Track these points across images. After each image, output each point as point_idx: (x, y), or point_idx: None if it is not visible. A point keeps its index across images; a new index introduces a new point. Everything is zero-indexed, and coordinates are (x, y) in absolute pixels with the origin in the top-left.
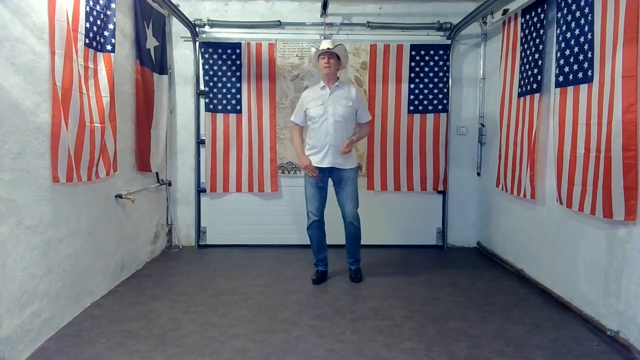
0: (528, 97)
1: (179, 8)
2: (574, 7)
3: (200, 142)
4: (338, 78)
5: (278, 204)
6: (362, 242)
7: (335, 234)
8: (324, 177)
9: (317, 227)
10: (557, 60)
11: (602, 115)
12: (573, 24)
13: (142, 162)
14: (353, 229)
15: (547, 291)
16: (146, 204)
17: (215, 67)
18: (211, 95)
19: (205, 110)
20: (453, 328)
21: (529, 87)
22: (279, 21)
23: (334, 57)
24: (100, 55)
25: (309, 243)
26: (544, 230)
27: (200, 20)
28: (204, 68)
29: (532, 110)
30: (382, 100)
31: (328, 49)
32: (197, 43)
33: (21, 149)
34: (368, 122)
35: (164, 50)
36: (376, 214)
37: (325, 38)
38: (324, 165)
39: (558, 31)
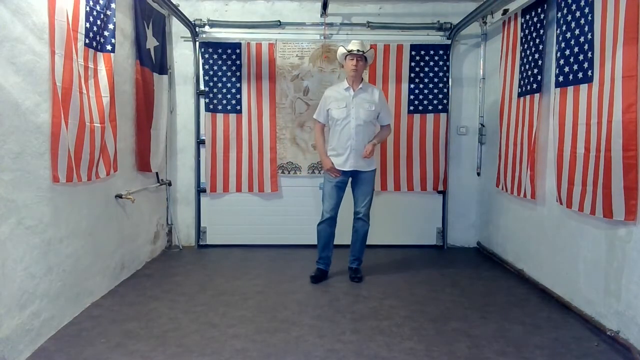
0: (528, 97)
1: (179, 8)
2: (574, 7)
3: (200, 142)
4: (362, 79)
5: (278, 204)
6: None
7: (338, 234)
8: (344, 178)
9: (328, 224)
10: (557, 60)
11: (602, 115)
12: (573, 24)
13: (142, 162)
14: (363, 225)
15: (547, 291)
16: (146, 204)
17: (215, 67)
18: (211, 95)
19: (205, 110)
20: (453, 328)
21: (529, 87)
22: (279, 21)
23: (362, 60)
24: (100, 55)
25: (313, 242)
26: (544, 230)
27: (200, 20)
28: (204, 68)
29: (532, 110)
30: None
31: (358, 50)
32: (197, 43)
33: (21, 149)
34: (389, 124)
35: (164, 50)
36: (376, 214)
37: (325, 38)
38: (346, 168)
39: (558, 31)
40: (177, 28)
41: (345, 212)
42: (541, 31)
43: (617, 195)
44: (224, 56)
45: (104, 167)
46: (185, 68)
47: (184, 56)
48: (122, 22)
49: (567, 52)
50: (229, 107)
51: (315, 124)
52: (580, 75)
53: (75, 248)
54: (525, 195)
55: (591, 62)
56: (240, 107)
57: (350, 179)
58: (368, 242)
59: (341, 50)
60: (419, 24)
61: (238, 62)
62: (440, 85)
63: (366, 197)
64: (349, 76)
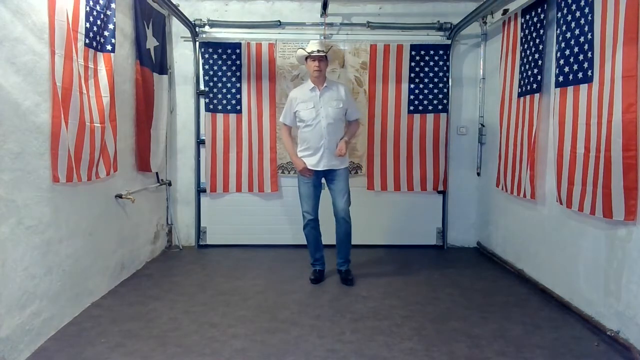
0: (528, 97)
1: (179, 8)
2: (574, 7)
3: (200, 142)
4: (326, 78)
5: (278, 204)
6: (362, 243)
7: (332, 234)
8: (318, 176)
9: (312, 226)
10: (557, 60)
11: (602, 115)
12: (573, 24)
13: (142, 162)
14: (345, 225)
15: (547, 291)
16: (146, 204)
17: (215, 67)
18: (211, 95)
19: (205, 110)
20: (453, 328)
21: (529, 87)
22: (279, 21)
23: (324, 60)
24: (100, 55)
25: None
26: (544, 230)
27: (200, 20)
28: (204, 68)
29: (532, 110)
30: (382, 100)
31: (319, 51)
32: (197, 43)
33: (21, 149)
34: (358, 119)
35: (164, 50)
36: (376, 214)
37: (325, 38)
38: (320, 168)
39: (558, 31)
40: (177, 28)
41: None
42: (541, 31)
43: (617, 195)
44: (224, 56)
45: (104, 167)
46: (185, 68)
47: (184, 56)
48: (122, 22)
49: (567, 52)
50: (229, 107)
51: (282, 126)
52: (580, 75)
53: (75, 248)
54: (525, 195)
55: (591, 62)
56: (240, 107)
57: (323, 179)
58: (368, 242)
59: (300, 53)
60: (419, 24)
61: (238, 62)
62: (440, 85)
63: (345, 194)
64: (313, 77)
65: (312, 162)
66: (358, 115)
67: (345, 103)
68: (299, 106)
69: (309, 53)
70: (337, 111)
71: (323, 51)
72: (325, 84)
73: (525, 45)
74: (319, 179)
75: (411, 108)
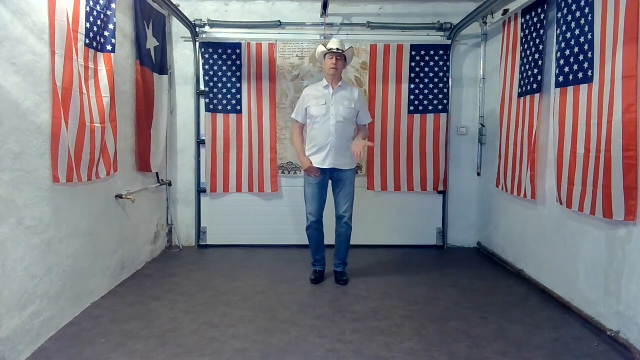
0: (528, 97)
1: (179, 8)
2: (574, 7)
3: (200, 142)
4: (341, 78)
5: (278, 204)
6: (362, 242)
7: (332, 233)
8: (324, 177)
9: (316, 228)
10: (557, 60)
11: (602, 115)
12: (573, 24)
13: (142, 162)
14: (347, 229)
15: (547, 291)
16: (146, 204)
17: (215, 67)
18: (211, 95)
19: (205, 110)
20: (453, 328)
21: (529, 87)
22: (279, 21)
23: (341, 59)
24: (100, 55)
25: (308, 243)
26: (544, 230)
27: (200, 20)
28: (204, 68)
29: (532, 110)
30: (382, 100)
31: (338, 49)
32: (197, 43)
33: (21, 149)
34: (368, 124)
35: (164, 50)
36: (376, 214)
37: (325, 38)
38: (325, 166)
39: (558, 31)
40: (177, 28)
41: (327, 210)
42: (541, 31)
43: (617, 195)
44: (224, 56)
45: (104, 167)
46: (185, 68)
47: (184, 56)
48: (122, 22)
49: (567, 52)
50: (229, 107)
51: (294, 123)
52: (580, 75)
53: (75, 248)
54: (525, 195)
55: (591, 62)
56: (240, 107)
57: (330, 180)
58: (368, 242)
59: (320, 48)
60: (419, 24)
61: (238, 62)
62: (440, 85)
63: (349, 199)
64: (328, 74)
65: (318, 159)
66: (368, 120)
67: (357, 105)
68: (310, 102)
69: (328, 49)
70: (348, 111)
71: (341, 50)
72: (339, 84)
73: (525, 45)
74: (326, 180)
75: (411, 108)
